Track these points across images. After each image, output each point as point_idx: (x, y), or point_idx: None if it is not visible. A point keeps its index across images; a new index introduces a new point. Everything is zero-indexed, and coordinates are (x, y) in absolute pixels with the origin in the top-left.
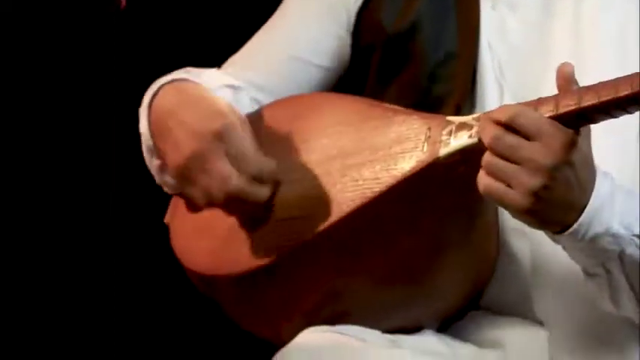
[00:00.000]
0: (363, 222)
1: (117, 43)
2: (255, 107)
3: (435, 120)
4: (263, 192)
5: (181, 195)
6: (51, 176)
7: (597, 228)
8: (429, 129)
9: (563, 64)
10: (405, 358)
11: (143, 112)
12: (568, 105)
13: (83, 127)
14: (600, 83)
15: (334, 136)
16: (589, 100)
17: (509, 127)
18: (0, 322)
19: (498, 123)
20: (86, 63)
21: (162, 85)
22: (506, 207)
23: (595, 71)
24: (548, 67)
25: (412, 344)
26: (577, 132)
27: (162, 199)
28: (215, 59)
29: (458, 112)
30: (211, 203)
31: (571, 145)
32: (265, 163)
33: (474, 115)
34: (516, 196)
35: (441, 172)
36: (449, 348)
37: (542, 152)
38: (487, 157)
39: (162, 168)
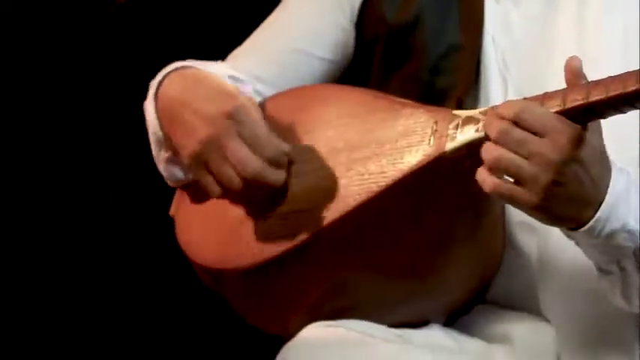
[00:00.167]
0: (369, 216)
1: (116, 42)
2: (258, 100)
3: (441, 113)
4: (280, 175)
5: (187, 187)
6: (51, 176)
7: (614, 224)
8: (436, 122)
9: (572, 58)
10: (411, 353)
11: (150, 102)
12: (576, 100)
13: (83, 126)
14: (609, 78)
15: (340, 129)
16: (597, 95)
17: (514, 123)
18: (0, 322)
19: (503, 119)
20: (86, 62)
21: (168, 74)
22: (515, 204)
23: (599, 65)
24: (552, 60)
25: (419, 339)
26: (584, 127)
27: (161, 199)
28: (214, 57)
29: (460, 106)
30: (226, 189)
31: (578, 140)
32: (280, 146)
33: (481, 109)
34: (525, 193)
35: (448, 166)
36: (456, 342)
37: (549, 147)
38: (494, 152)
39: (171, 160)
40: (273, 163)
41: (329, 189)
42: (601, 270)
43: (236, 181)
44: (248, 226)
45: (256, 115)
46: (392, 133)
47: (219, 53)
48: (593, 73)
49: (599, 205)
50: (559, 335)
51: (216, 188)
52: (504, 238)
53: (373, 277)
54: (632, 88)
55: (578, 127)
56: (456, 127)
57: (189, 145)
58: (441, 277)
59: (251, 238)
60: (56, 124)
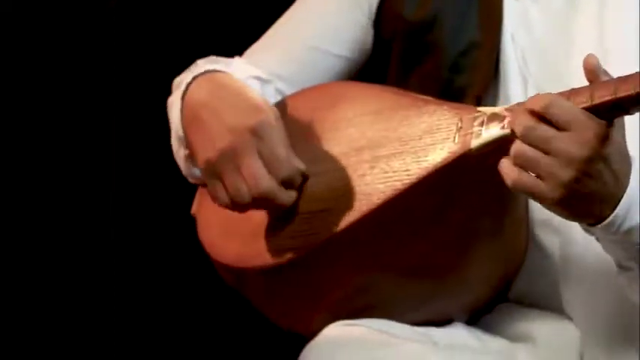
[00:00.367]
0: (393, 214)
1: (117, 38)
2: (279, 98)
3: (466, 110)
4: (290, 196)
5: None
6: (51, 176)
7: (633, 220)
8: (461, 119)
9: (588, 56)
10: (434, 353)
11: (176, 102)
12: (603, 96)
13: (83, 123)
14: (636, 73)
15: (362, 126)
16: (625, 91)
17: (541, 117)
18: (0, 322)
19: (531, 112)
20: (87, 58)
21: (196, 77)
22: (536, 199)
23: (619, 62)
24: (572, 58)
25: (443, 338)
26: (610, 124)
27: (161, 199)
28: (215, 52)
29: (478, 104)
30: (234, 202)
31: (604, 136)
32: (296, 168)
33: (506, 106)
34: (547, 188)
35: (472, 163)
36: (480, 342)
37: (574, 143)
38: (517, 147)
39: (190, 158)
40: (287, 183)
41: (352, 187)
42: (620, 266)
43: (246, 196)
44: (271, 225)
45: (279, 132)
46: (415, 131)
47: (220, 49)
48: (613, 68)
49: (619, 201)
50: (582, 334)
51: (224, 199)
52: (527, 237)
53: (396, 276)
54: None
55: (604, 123)
56: (481, 124)
57: (206, 152)
58: (464, 275)
59: (274, 237)
60: (56, 121)
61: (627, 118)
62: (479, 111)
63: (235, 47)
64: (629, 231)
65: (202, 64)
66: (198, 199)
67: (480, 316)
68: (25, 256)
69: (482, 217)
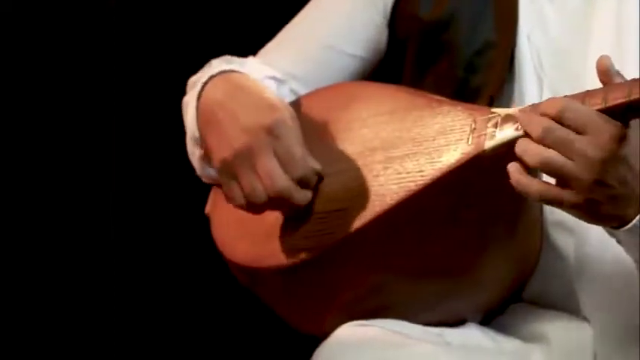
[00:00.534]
0: (407, 215)
1: (117, 37)
2: (293, 98)
3: (480, 111)
4: (305, 196)
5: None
6: (51, 176)
7: None
8: (474, 121)
9: (601, 58)
10: (447, 354)
11: (191, 101)
12: (617, 98)
13: (83, 122)
14: None
15: (376, 127)
16: (639, 93)
17: (556, 120)
18: (0, 322)
19: (545, 116)
20: (87, 57)
21: (212, 77)
22: (557, 205)
23: (636, 63)
24: (589, 58)
25: (456, 338)
26: (626, 125)
27: (161, 199)
28: (216, 51)
29: (491, 104)
30: (249, 203)
31: (621, 138)
32: (311, 168)
33: (520, 108)
34: (567, 193)
35: (486, 165)
36: (494, 343)
37: (592, 146)
38: (537, 151)
39: (205, 158)
40: (302, 182)
41: (366, 188)
42: None
43: (261, 196)
44: (284, 226)
45: (295, 131)
46: (429, 131)
47: (220, 48)
48: (630, 69)
49: None
50: (597, 334)
51: (240, 198)
52: (542, 237)
53: (410, 276)
54: None
55: (620, 124)
56: (495, 125)
57: (221, 152)
58: (478, 275)
59: (287, 237)
60: (56, 121)
61: None
62: (493, 112)
63: (235, 46)
64: None
65: (217, 64)
66: (213, 199)
67: (494, 317)
68: (25, 256)
69: (496, 218)
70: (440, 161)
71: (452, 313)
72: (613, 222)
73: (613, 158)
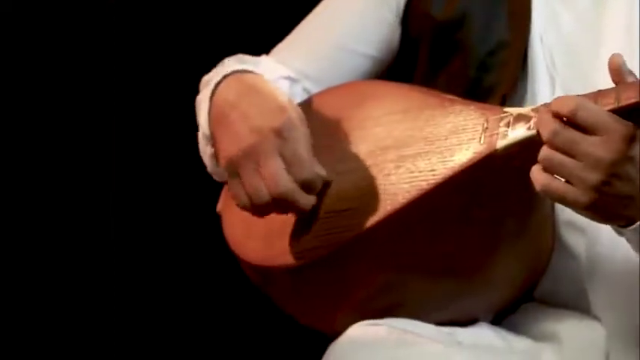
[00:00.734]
0: (418, 214)
1: (117, 35)
2: (306, 97)
3: (492, 111)
4: (308, 200)
5: None
6: (51, 176)
7: None
8: (487, 120)
9: (613, 56)
10: (458, 353)
11: (204, 100)
12: (630, 97)
13: (83, 121)
14: None
15: (388, 126)
16: None
17: (567, 119)
18: (0, 322)
19: (557, 115)
20: (87, 55)
21: (225, 77)
22: (567, 204)
23: None
24: (601, 57)
25: (467, 337)
26: (638, 125)
27: (161, 199)
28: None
29: (503, 103)
30: (253, 203)
31: (631, 139)
32: (317, 172)
33: (532, 107)
34: (576, 192)
35: (498, 164)
36: (505, 342)
37: (601, 147)
38: (545, 152)
39: (216, 157)
40: (306, 186)
41: (378, 187)
42: None
43: (263, 196)
44: (296, 224)
45: (303, 134)
46: (441, 131)
47: (220, 47)
48: None
49: None
50: (608, 334)
51: (244, 199)
52: (554, 237)
53: (421, 275)
54: None
55: (631, 124)
56: (507, 124)
57: (228, 150)
58: (489, 274)
59: (299, 236)
60: (56, 120)
61: None
62: (505, 111)
63: (236, 46)
64: None
65: (230, 63)
66: (224, 198)
67: (505, 316)
68: (25, 256)
69: (507, 217)
70: (452, 160)
71: (463, 312)
72: (621, 221)
73: (622, 159)
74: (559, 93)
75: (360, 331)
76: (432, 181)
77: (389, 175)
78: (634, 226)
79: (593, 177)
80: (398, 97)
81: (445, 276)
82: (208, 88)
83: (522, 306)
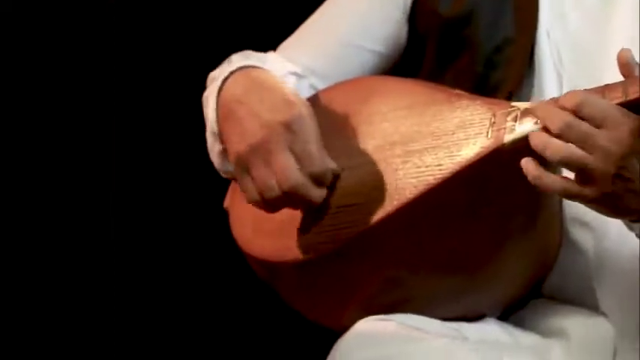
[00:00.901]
0: (425, 209)
1: (117, 34)
2: (313, 93)
3: (499, 106)
4: (319, 193)
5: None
6: (51, 176)
7: None
8: (494, 115)
9: (622, 51)
10: (464, 348)
11: (212, 97)
12: (637, 91)
13: (83, 125)
14: None
15: (395, 121)
16: None
17: (574, 114)
18: (0, 322)
19: (564, 109)
20: (87, 55)
21: (232, 72)
22: (569, 196)
23: None
24: (608, 53)
25: (474, 333)
26: None
27: (161, 199)
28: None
29: (510, 100)
30: (264, 198)
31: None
32: (328, 165)
33: (539, 102)
34: (585, 187)
35: (505, 159)
36: (512, 337)
37: (611, 140)
38: (555, 144)
39: (224, 153)
40: (316, 179)
41: (385, 182)
42: None
43: (274, 191)
44: (303, 220)
45: (311, 126)
46: (448, 125)
47: (221, 46)
48: None
49: None
50: (616, 330)
51: (254, 194)
52: (561, 233)
53: (428, 271)
54: None
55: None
56: (515, 119)
57: (238, 146)
58: (497, 270)
59: (306, 231)
60: (56, 120)
61: None
62: (512, 106)
63: (236, 46)
64: None
65: (237, 60)
66: (231, 194)
67: (512, 312)
68: (25, 256)
69: (515, 212)
70: (459, 155)
71: (470, 307)
72: (632, 215)
73: (631, 152)
74: (566, 89)
75: (367, 326)
76: (439, 176)
77: (396, 170)
78: None
79: (605, 170)
80: (404, 92)
81: (452, 271)
82: (215, 85)
83: (530, 302)
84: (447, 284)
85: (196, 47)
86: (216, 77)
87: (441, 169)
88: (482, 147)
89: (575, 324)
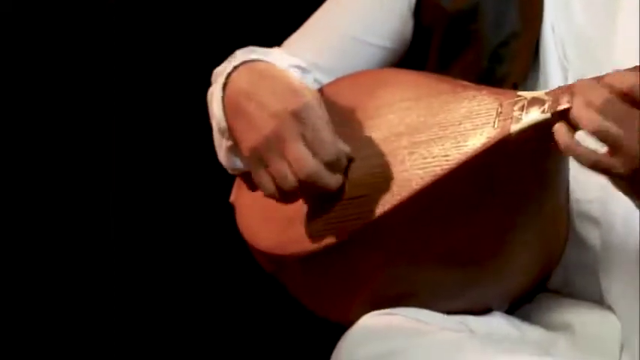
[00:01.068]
0: (432, 200)
1: (117, 34)
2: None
3: (506, 95)
4: (335, 179)
5: (247, 174)
6: (51, 176)
7: None
8: (500, 105)
9: None
10: (470, 342)
11: (217, 92)
12: None
13: (83, 125)
14: None
15: (401, 112)
16: None
17: (624, 94)
18: (0, 322)
19: (610, 88)
20: (85, 59)
21: (236, 67)
22: (605, 172)
23: None
24: (614, 48)
25: (480, 327)
26: None
27: (162, 199)
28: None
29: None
30: (281, 190)
31: None
32: (341, 150)
33: (546, 91)
34: (619, 161)
35: (512, 148)
36: (518, 331)
37: None
38: (590, 116)
39: (232, 149)
40: (331, 166)
41: (392, 173)
42: None
43: (290, 181)
44: (309, 212)
45: (322, 115)
46: (455, 116)
47: (221, 46)
48: None
49: None
50: (623, 324)
51: (269, 185)
52: (568, 226)
53: (434, 263)
54: None
55: None
56: (521, 108)
57: (249, 139)
58: (503, 263)
59: (312, 223)
60: (56, 120)
61: None
62: (519, 96)
63: (236, 44)
64: None
65: (241, 55)
66: (237, 188)
67: (518, 306)
68: (25, 256)
69: (521, 204)
70: (466, 145)
71: (477, 301)
72: None
73: None
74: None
75: (372, 320)
76: (446, 167)
77: (403, 161)
78: None
79: (638, 148)
80: (410, 83)
81: (458, 264)
82: (220, 80)
83: (536, 296)
84: (453, 277)
85: (197, 47)
86: (220, 73)
87: (447, 160)
88: (488, 137)
89: (581, 318)
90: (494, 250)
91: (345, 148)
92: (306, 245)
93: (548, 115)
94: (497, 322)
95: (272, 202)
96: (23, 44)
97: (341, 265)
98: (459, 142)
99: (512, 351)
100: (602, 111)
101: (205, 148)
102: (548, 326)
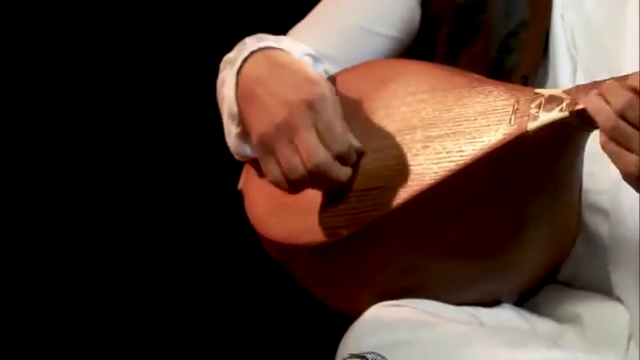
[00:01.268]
0: (445, 195)
1: (117, 34)
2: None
3: (523, 92)
4: (344, 172)
5: (256, 161)
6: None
7: None
8: (517, 101)
9: None
10: (481, 335)
11: (229, 78)
12: None
13: (83, 125)
14: None
15: (415, 105)
16: None
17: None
18: (0, 322)
19: (632, 89)
20: (85, 59)
21: (252, 53)
22: (622, 167)
23: None
24: (623, 38)
25: (490, 319)
26: None
27: (162, 199)
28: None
29: (525, 84)
30: (289, 179)
31: None
32: (352, 143)
33: (564, 89)
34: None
35: (528, 146)
36: (528, 323)
37: None
38: (611, 118)
39: (242, 136)
40: (342, 158)
41: (405, 167)
42: None
43: (299, 170)
44: (321, 203)
45: (336, 106)
46: (470, 111)
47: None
48: None
49: None
50: (632, 316)
51: (277, 174)
52: (579, 221)
53: (446, 256)
54: None
55: None
56: (539, 106)
57: (261, 126)
58: (513, 257)
59: (323, 214)
60: (56, 120)
61: None
62: (536, 93)
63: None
64: None
65: (252, 42)
66: (245, 175)
67: (527, 298)
68: (25, 256)
69: (535, 200)
70: (481, 141)
71: (486, 293)
72: None
73: None
74: (580, 73)
75: (380, 311)
76: (460, 162)
77: (416, 155)
78: None
79: None
80: (424, 75)
81: (469, 257)
82: (235, 66)
83: (545, 288)
84: (464, 270)
85: (197, 47)
86: (232, 59)
87: (462, 156)
88: (504, 134)
89: (590, 309)
90: (505, 245)
91: (355, 141)
92: (319, 236)
93: (566, 113)
94: (507, 315)
95: (281, 191)
96: (23, 44)
97: (352, 256)
98: (474, 137)
99: (521, 343)
100: (622, 112)
101: (206, 147)
102: (557, 318)
